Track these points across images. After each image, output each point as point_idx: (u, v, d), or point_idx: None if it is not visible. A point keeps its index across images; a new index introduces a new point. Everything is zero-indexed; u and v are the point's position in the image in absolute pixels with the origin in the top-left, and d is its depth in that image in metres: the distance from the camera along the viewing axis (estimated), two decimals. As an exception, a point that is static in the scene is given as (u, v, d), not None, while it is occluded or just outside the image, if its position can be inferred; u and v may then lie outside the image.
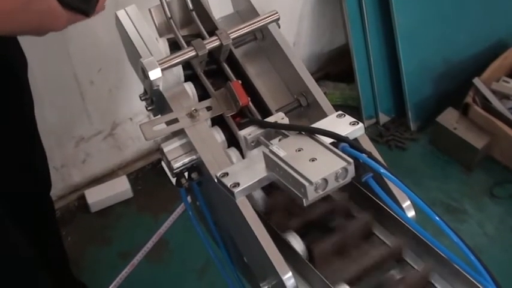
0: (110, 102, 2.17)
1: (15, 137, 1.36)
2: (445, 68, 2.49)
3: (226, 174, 0.80)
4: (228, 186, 0.78)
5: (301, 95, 0.94)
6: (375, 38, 2.39)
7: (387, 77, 2.47)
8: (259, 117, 0.90)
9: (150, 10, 1.03)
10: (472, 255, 0.70)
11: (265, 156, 0.78)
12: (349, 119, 0.84)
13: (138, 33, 0.92)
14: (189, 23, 1.03)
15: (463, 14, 2.45)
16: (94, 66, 2.02)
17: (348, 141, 0.78)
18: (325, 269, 0.81)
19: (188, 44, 0.91)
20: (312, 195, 0.72)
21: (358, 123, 0.83)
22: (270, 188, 0.87)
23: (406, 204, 0.83)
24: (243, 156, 0.91)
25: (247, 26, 0.92)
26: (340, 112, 0.86)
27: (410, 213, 0.83)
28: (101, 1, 0.90)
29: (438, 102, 2.47)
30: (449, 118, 2.34)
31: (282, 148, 0.77)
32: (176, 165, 0.86)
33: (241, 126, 0.89)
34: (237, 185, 0.78)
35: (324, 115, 0.89)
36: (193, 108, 0.87)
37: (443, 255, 0.76)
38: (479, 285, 0.71)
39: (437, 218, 0.72)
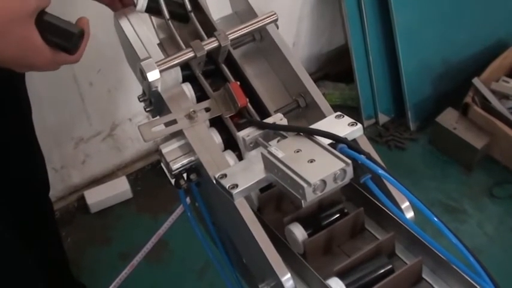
0: (109, 103, 2.17)
1: (13, 144, 1.37)
2: (444, 68, 2.49)
3: (224, 175, 0.80)
4: (227, 187, 0.78)
5: (299, 96, 0.94)
6: (374, 38, 2.39)
7: (386, 77, 2.47)
8: (258, 118, 0.90)
9: (149, 11, 1.03)
10: (471, 257, 0.70)
11: (264, 157, 0.78)
12: (347, 119, 0.84)
13: (137, 34, 0.92)
14: (187, 24, 1.03)
15: (463, 13, 2.45)
16: (93, 67, 2.02)
17: (346, 142, 0.78)
18: (317, 263, 0.81)
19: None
20: (310, 196, 0.72)
21: (356, 124, 0.83)
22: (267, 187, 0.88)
23: (405, 205, 0.83)
24: (239, 158, 0.91)
25: (245, 27, 0.92)
26: (338, 113, 0.86)
27: (409, 214, 0.83)
28: (84, 43, 0.86)
29: (438, 102, 2.47)
30: (448, 118, 2.34)
31: (281, 149, 0.77)
32: (175, 166, 0.86)
33: (239, 127, 0.89)
34: (235, 186, 0.78)
35: (322, 116, 0.89)
36: (191, 110, 0.87)
37: (442, 256, 0.76)
38: (478, 287, 0.71)
39: (435, 219, 0.72)
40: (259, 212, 0.91)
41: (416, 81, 2.43)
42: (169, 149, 0.87)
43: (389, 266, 0.79)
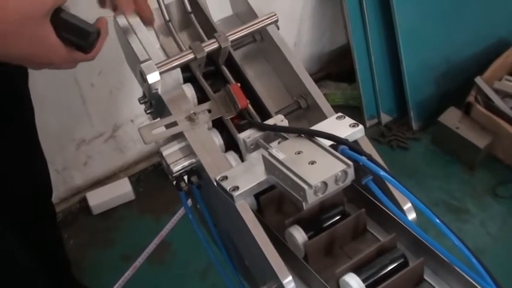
0: (111, 104, 2.16)
1: (16, 146, 1.37)
2: (446, 67, 2.48)
3: (225, 177, 0.79)
4: (228, 189, 0.77)
5: (300, 97, 0.94)
6: (375, 37, 2.38)
7: (388, 76, 2.47)
8: (259, 120, 0.90)
9: (148, 13, 1.02)
10: (473, 258, 0.69)
11: (265, 159, 0.78)
12: (349, 121, 0.84)
13: (137, 36, 0.92)
14: (187, 26, 1.03)
15: (464, 12, 2.44)
16: (94, 69, 2.02)
17: (347, 144, 0.77)
18: (319, 265, 0.81)
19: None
20: (312, 198, 0.71)
21: (358, 125, 0.83)
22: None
23: (407, 206, 0.83)
24: (241, 159, 0.90)
25: (245, 28, 0.92)
26: (340, 114, 0.86)
27: (411, 216, 0.83)
28: (100, 43, 0.87)
29: (440, 101, 2.46)
30: (451, 117, 2.33)
31: (281, 151, 0.77)
32: (175, 168, 0.85)
33: (240, 128, 0.89)
34: (236, 188, 0.77)
35: (323, 117, 0.89)
36: (192, 112, 0.87)
37: (444, 258, 0.75)
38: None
39: (437, 220, 0.71)
40: (260, 214, 0.91)
41: (418, 81, 2.42)
42: (170, 151, 0.86)
43: (402, 260, 0.79)
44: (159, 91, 0.88)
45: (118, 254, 2.12)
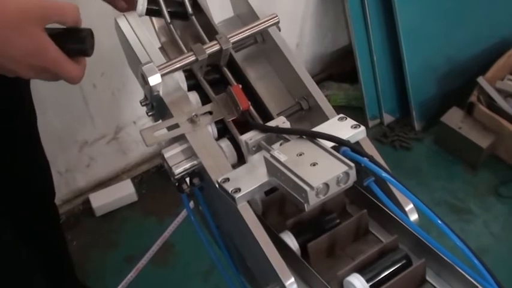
0: (113, 105, 2.17)
1: (18, 150, 1.37)
2: (449, 67, 2.48)
3: (227, 179, 0.79)
4: (229, 191, 0.78)
5: (302, 99, 0.94)
6: (377, 38, 2.38)
7: (391, 77, 2.47)
8: (260, 121, 0.90)
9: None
10: (476, 259, 0.70)
11: (266, 161, 0.78)
12: (350, 122, 0.84)
13: (138, 38, 0.92)
14: (188, 28, 1.03)
15: (466, 12, 2.44)
16: (96, 70, 2.02)
17: (349, 145, 0.77)
18: (321, 267, 0.81)
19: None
20: (313, 200, 0.71)
21: (359, 126, 0.83)
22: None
23: (409, 207, 0.83)
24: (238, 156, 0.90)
25: (247, 30, 0.91)
26: (341, 115, 0.86)
27: (413, 217, 0.83)
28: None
29: (442, 101, 2.46)
30: (453, 117, 2.33)
31: (283, 153, 0.77)
32: (177, 170, 0.86)
33: (242, 130, 0.89)
34: (238, 190, 0.77)
35: (325, 118, 0.89)
36: (193, 114, 0.87)
37: (446, 258, 0.75)
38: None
39: (439, 221, 0.71)
40: (262, 215, 0.91)
41: (420, 81, 2.42)
42: (172, 154, 0.86)
43: (405, 261, 0.79)
44: (161, 93, 0.88)
45: (121, 255, 2.12)
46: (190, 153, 0.86)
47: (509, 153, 2.27)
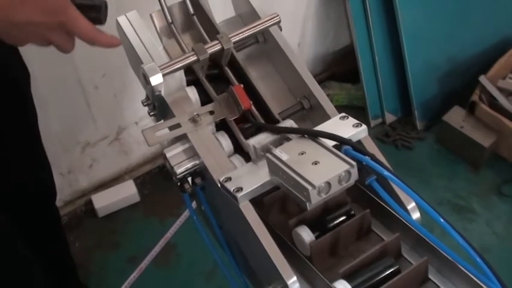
0: (115, 106, 2.17)
1: (19, 151, 1.37)
2: (450, 66, 2.48)
3: (229, 178, 0.80)
4: (231, 191, 0.78)
5: (303, 98, 0.94)
6: (379, 37, 2.38)
7: (393, 76, 2.47)
8: (262, 121, 0.90)
9: (151, 15, 1.03)
10: (478, 257, 0.70)
11: (268, 160, 0.78)
12: (352, 121, 0.84)
13: (139, 38, 0.92)
14: (190, 28, 1.03)
15: (468, 11, 2.44)
16: (98, 72, 2.02)
17: (350, 144, 0.77)
18: (323, 265, 0.81)
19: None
20: (315, 198, 0.72)
21: (361, 125, 0.83)
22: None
23: (411, 206, 0.83)
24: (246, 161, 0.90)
25: (248, 30, 0.92)
26: (343, 114, 0.86)
27: (415, 215, 0.83)
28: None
29: (444, 100, 2.46)
30: (455, 117, 2.33)
31: (285, 152, 0.77)
32: (179, 170, 0.86)
33: (243, 130, 0.89)
34: (240, 189, 0.78)
35: (327, 117, 0.89)
36: (195, 113, 0.87)
37: (448, 257, 0.75)
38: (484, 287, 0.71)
39: (442, 220, 0.71)
40: (264, 214, 0.90)
41: (422, 80, 2.42)
42: (174, 153, 0.87)
43: (396, 267, 0.79)
44: (162, 93, 0.88)
45: (123, 256, 2.12)
46: (192, 152, 0.86)
47: (511, 152, 2.26)
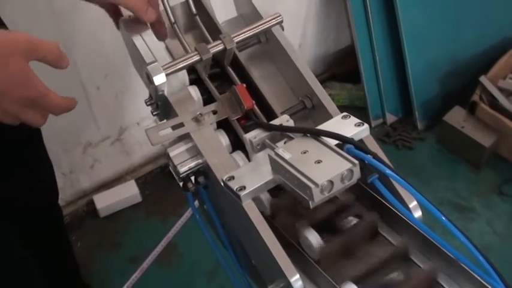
0: (117, 107, 2.17)
1: (21, 150, 1.37)
2: (451, 66, 2.49)
3: (232, 177, 0.80)
4: (234, 189, 0.78)
5: (306, 97, 0.94)
6: (380, 38, 2.39)
7: (393, 76, 2.48)
8: (265, 120, 0.90)
9: (154, 15, 1.03)
10: (481, 256, 0.70)
11: (271, 159, 0.78)
12: (354, 120, 0.84)
13: (143, 39, 0.92)
14: (192, 28, 1.04)
15: (468, 12, 2.44)
16: (100, 72, 2.03)
17: (353, 143, 0.78)
18: (331, 269, 0.80)
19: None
20: (318, 197, 0.72)
21: (363, 124, 0.83)
22: (276, 189, 0.87)
23: (413, 204, 0.83)
24: (248, 159, 0.91)
25: (250, 30, 0.92)
26: (345, 113, 0.86)
27: (417, 214, 0.83)
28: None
29: (445, 101, 2.47)
30: (456, 117, 2.34)
31: (288, 150, 0.77)
32: (182, 169, 0.86)
33: (246, 129, 0.90)
34: (243, 188, 0.78)
35: (329, 117, 0.89)
36: (198, 113, 0.87)
37: (451, 255, 0.75)
38: (488, 286, 0.71)
39: (444, 218, 0.72)
40: (271, 217, 0.91)
41: (423, 81, 2.43)
42: (177, 152, 0.87)
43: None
44: (165, 93, 0.88)
45: (125, 256, 2.13)
46: (195, 152, 0.86)
47: (510, 151, 2.27)
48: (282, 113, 0.92)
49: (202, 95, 0.94)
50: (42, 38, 0.82)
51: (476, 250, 0.70)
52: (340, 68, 2.73)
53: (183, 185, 0.89)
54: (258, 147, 0.85)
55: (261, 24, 0.93)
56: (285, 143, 0.83)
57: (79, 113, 2.07)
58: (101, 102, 2.10)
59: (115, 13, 0.98)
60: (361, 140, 0.84)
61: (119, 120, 2.23)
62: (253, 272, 0.97)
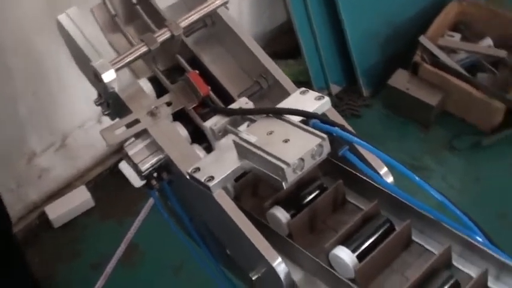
0: (56, 113, 2.11)
1: None
2: (390, 30, 2.51)
3: (197, 169, 0.77)
4: (202, 181, 0.75)
5: (260, 77, 0.92)
6: (316, 10, 2.39)
7: (334, 47, 2.49)
8: (222, 105, 0.87)
9: (92, 10, 0.98)
10: (458, 210, 0.73)
11: (236, 144, 0.76)
12: (313, 94, 0.83)
13: (84, 35, 0.88)
14: (134, 18, 0.99)
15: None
16: (35, 79, 1.96)
17: (318, 117, 0.76)
18: (305, 243, 0.80)
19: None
20: (291, 176, 0.70)
21: (323, 97, 0.82)
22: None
23: (384, 171, 0.82)
24: (207, 151, 0.88)
25: (196, 13, 0.89)
26: (303, 89, 0.85)
27: (389, 179, 0.82)
28: None
29: (387, 65, 2.48)
30: (400, 79, 2.36)
31: (252, 133, 0.75)
32: (144, 167, 0.83)
33: (204, 117, 0.87)
34: (211, 178, 0.75)
35: (286, 94, 0.87)
36: (153, 106, 0.84)
37: (429, 215, 0.75)
38: (467, 238, 0.73)
39: (417, 178, 0.74)
40: (236, 200, 0.88)
41: (363, 48, 2.45)
42: (136, 150, 0.83)
43: (387, 226, 0.78)
44: (116, 89, 0.84)
45: (86, 263, 2.08)
46: (154, 147, 0.83)
47: (458, 107, 2.31)
48: (239, 95, 0.90)
49: (154, 88, 0.91)
50: None
51: (453, 206, 0.73)
52: (280, 45, 2.71)
53: (146, 183, 0.85)
54: (220, 134, 0.83)
55: (207, 6, 0.89)
56: (248, 126, 0.80)
57: (18, 122, 2.00)
58: (39, 109, 2.04)
59: None
60: (323, 114, 0.82)
61: (60, 125, 2.16)
62: (228, 262, 0.95)
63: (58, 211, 2.20)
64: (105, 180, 2.35)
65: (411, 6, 2.53)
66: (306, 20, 2.39)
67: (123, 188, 2.15)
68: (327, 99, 0.82)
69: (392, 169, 0.80)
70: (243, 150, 0.75)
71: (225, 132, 0.82)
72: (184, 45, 0.93)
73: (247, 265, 0.80)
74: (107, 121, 0.92)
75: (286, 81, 0.90)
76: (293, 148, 0.71)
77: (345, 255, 0.74)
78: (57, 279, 2.04)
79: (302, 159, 0.70)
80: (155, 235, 2.03)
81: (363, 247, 0.76)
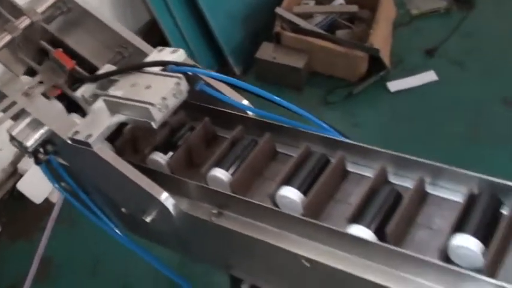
0: None
1: None
2: (248, 9, 2.64)
3: (77, 132, 0.85)
4: (82, 140, 0.83)
5: (120, 47, 1.00)
6: (177, 5, 2.49)
7: (199, 35, 2.59)
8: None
9: None
10: (317, 120, 0.89)
11: (106, 102, 0.85)
12: (169, 49, 0.92)
13: None
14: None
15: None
16: None
17: (173, 63, 0.86)
18: (187, 176, 0.88)
19: None
20: (158, 115, 0.80)
21: (178, 50, 0.91)
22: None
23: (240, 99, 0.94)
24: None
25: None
26: (160, 47, 0.94)
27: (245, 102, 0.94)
28: None
29: (252, 41, 2.61)
30: (266, 51, 2.49)
31: (118, 89, 0.85)
32: (29, 143, 0.89)
33: (76, 90, 0.94)
34: (89, 136, 0.83)
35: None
36: (26, 87, 0.91)
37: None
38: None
39: (276, 98, 0.91)
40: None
41: (227, 30, 2.57)
42: (19, 130, 0.90)
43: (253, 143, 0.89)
44: (-12, 80, 0.91)
45: (2, 288, 2.07)
46: (35, 124, 0.90)
47: (324, 65, 2.47)
48: (104, 67, 0.98)
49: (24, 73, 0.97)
50: None
51: (313, 117, 0.89)
52: (148, 43, 2.76)
53: (34, 158, 0.92)
54: (91, 99, 0.90)
55: (60, -7, 0.96)
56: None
57: None
58: None
59: None
60: (181, 63, 0.91)
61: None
62: (129, 223, 1.03)
63: (-37, 245, 2.18)
64: (7, 204, 2.34)
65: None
66: (168, 16, 2.49)
67: (26, 207, 2.19)
68: (181, 51, 0.91)
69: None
70: (113, 106, 0.84)
71: (95, 97, 0.90)
72: (47, 31, 0.99)
73: (139, 211, 0.87)
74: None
75: (144, 46, 0.98)
76: (155, 91, 0.81)
77: (291, 193, 0.80)
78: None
79: (164, 98, 0.80)
80: (67, 245, 2.06)
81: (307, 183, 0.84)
